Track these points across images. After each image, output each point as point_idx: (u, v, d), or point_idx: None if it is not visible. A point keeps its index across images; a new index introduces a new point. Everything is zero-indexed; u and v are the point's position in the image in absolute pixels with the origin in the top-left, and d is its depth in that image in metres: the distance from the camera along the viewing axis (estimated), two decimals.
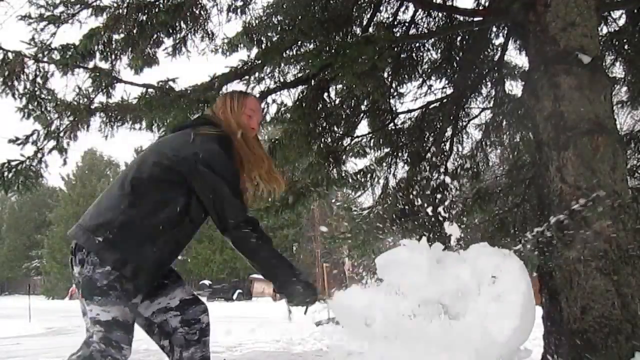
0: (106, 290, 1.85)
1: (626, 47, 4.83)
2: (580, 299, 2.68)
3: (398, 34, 5.03)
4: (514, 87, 5.26)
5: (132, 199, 1.90)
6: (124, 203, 1.90)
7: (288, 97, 4.94)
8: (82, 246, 1.90)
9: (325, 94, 4.97)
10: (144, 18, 4.16)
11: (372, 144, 5.45)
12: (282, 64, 4.67)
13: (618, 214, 2.72)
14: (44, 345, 7.10)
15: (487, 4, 4.88)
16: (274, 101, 4.92)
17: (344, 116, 5.25)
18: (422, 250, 2.07)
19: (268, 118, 5.01)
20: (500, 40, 5.09)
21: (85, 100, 4.21)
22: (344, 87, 5.03)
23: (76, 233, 1.95)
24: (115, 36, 4.15)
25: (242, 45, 4.82)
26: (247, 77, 4.60)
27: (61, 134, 4.26)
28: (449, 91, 5.36)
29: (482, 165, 5.50)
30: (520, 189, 5.20)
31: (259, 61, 4.39)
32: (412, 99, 5.48)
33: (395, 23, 5.12)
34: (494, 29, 5.06)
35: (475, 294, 1.97)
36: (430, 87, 5.46)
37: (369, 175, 5.48)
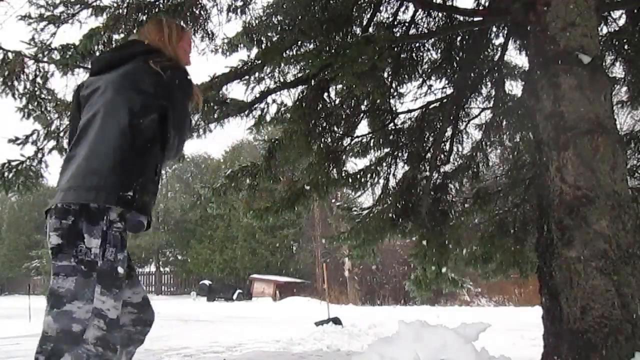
0: (121, 281, 1.73)
1: (626, 47, 4.83)
2: (580, 299, 2.67)
3: (398, 34, 5.03)
4: (514, 87, 5.28)
5: (138, 146, 1.82)
6: (132, 149, 1.81)
7: (288, 97, 4.94)
8: (107, 210, 1.70)
9: (325, 94, 4.97)
10: (144, 18, 4.16)
11: (372, 144, 5.45)
12: (282, 64, 4.67)
13: (618, 214, 2.72)
14: None
15: (487, 4, 4.88)
16: (274, 101, 4.92)
17: (344, 116, 5.25)
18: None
19: (268, 118, 5.02)
20: (500, 40, 5.10)
21: None
22: (344, 87, 5.03)
23: (96, 195, 1.71)
24: (115, 36, 4.15)
25: (242, 45, 4.82)
26: (247, 77, 4.61)
27: (61, 134, 4.26)
28: (449, 91, 5.36)
29: (482, 165, 5.50)
30: (520, 189, 5.20)
31: (259, 61, 4.40)
32: (412, 99, 5.49)
33: (395, 23, 5.12)
34: (494, 29, 5.06)
35: None
36: (430, 87, 5.46)
37: (369, 175, 5.48)
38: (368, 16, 4.99)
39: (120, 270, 1.73)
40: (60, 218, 1.72)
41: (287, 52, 4.58)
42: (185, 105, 1.95)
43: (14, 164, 4.12)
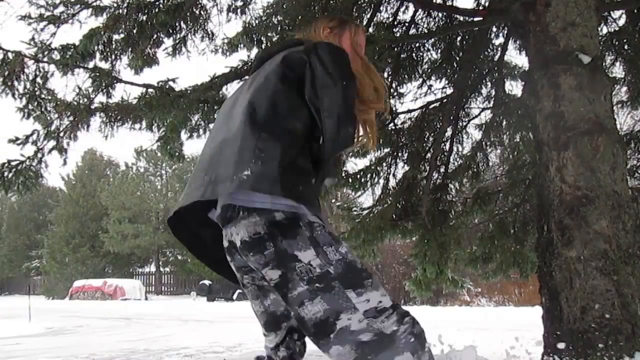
0: (366, 270, 1.53)
1: (626, 47, 4.83)
2: (580, 299, 2.68)
3: (398, 34, 5.03)
4: (514, 87, 5.27)
5: None
6: None
7: None
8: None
9: None
10: (144, 18, 4.16)
11: None
12: None
13: (618, 214, 2.72)
14: (44, 345, 7.10)
15: (487, 4, 4.88)
16: None
17: None
18: None
19: None
20: (500, 40, 5.10)
21: (85, 100, 4.21)
22: None
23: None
24: (115, 36, 4.15)
25: (242, 45, 4.82)
26: (247, 77, 4.60)
27: (61, 134, 4.26)
28: (449, 91, 5.36)
29: (482, 165, 5.50)
30: (520, 189, 5.20)
31: None
32: (412, 99, 5.49)
33: (395, 23, 5.12)
34: (494, 29, 5.06)
35: None
36: (430, 87, 5.46)
37: (369, 175, 5.48)
38: (368, 16, 4.99)
39: (352, 258, 1.46)
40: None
41: None
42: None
43: (13, 164, 4.11)
